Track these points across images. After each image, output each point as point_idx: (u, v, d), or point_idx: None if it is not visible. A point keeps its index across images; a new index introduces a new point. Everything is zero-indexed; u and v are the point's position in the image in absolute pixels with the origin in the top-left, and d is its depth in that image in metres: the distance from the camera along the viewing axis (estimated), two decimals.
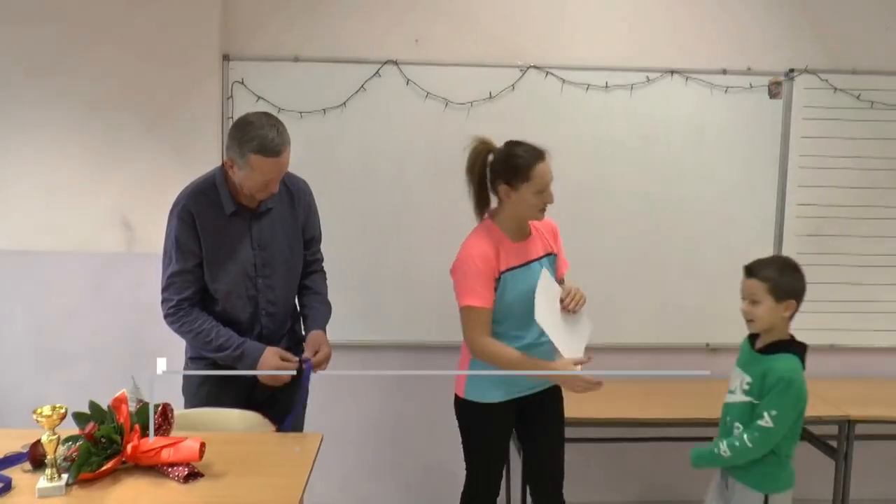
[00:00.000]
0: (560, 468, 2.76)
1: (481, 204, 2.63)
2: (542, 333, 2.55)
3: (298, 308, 2.75)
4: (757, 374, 2.41)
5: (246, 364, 2.45)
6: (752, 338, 2.54)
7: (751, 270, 2.47)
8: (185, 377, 2.61)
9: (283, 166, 2.40)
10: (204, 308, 2.52)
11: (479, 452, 2.70)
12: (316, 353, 2.55)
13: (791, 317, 2.44)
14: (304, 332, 2.71)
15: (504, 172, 2.51)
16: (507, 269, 2.54)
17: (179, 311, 2.47)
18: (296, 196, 2.61)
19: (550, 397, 2.71)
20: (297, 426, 2.61)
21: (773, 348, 2.43)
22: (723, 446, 2.41)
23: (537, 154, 2.50)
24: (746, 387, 2.42)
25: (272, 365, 2.45)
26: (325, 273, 2.82)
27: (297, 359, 2.49)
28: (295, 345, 2.70)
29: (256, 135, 2.31)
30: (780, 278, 2.42)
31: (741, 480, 2.46)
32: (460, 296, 2.53)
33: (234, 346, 2.46)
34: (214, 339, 2.45)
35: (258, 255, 2.52)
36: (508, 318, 2.56)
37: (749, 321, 2.47)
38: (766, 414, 2.33)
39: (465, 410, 2.66)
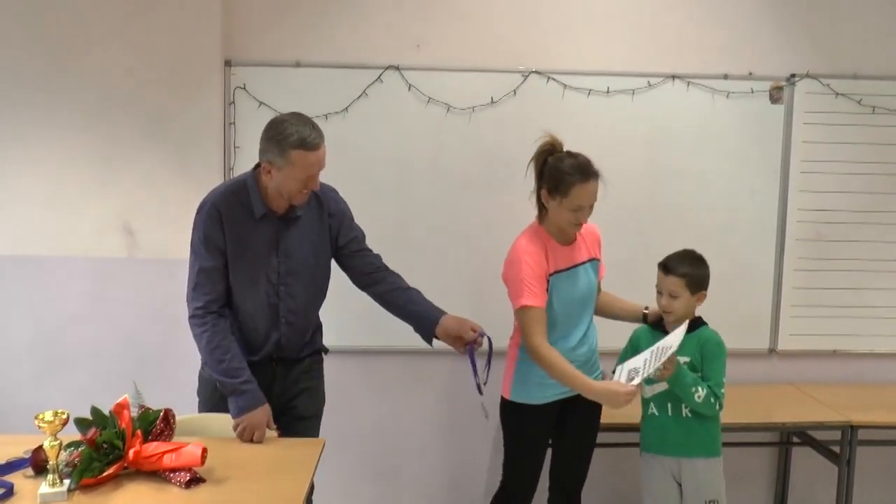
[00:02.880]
0: (584, 470, 2.82)
1: (540, 201, 2.67)
2: (581, 341, 2.66)
3: (397, 310, 2.68)
4: (690, 351, 2.63)
5: (240, 403, 2.34)
6: (655, 327, 2.75)
7: (668, 268, 2.67)
8: (202, 380, 2.57)
9: (323, 161, 2.40)
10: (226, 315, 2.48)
11: (521, 453, 2.75)
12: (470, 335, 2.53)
13: (700, 305, 2.69)
14: (422, 330, 2.65)
15: (548, 180, 2.58)
16: (555, 272, 2.60)
17: (206, 316, 2.40)
18: (325, 204, 2.58)
19: (589, 399, 2.70)
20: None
21: (692, 326, 2.64)
22: (701, 391, 2.57)
23: (584, 174, 2.54)
24: (684, 366, 2.61)
25: (259, 420, 2.34)
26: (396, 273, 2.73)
27: (275, 427, 2.40)
28: (313, 353, 2.69)
29: (294, 131, 2.31)
30: (694, 272, 2.64)
31: (699, 455, 2.64)
32: (515, 297, 2.58)
33: (241, 379, 2.37)
34: (228, 360, 2.38)
35: (282, 262, 2.49)
36: (554, 323, 2.61)
37: (668, 313, 2.68)
38: (719, 382, 2.61)
39: (511, 412, 2.72)
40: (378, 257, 2.74)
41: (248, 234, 2.44)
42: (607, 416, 2.97)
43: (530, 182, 3.45)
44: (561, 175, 2.54)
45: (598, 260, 2.79)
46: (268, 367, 2.54)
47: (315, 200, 2.55)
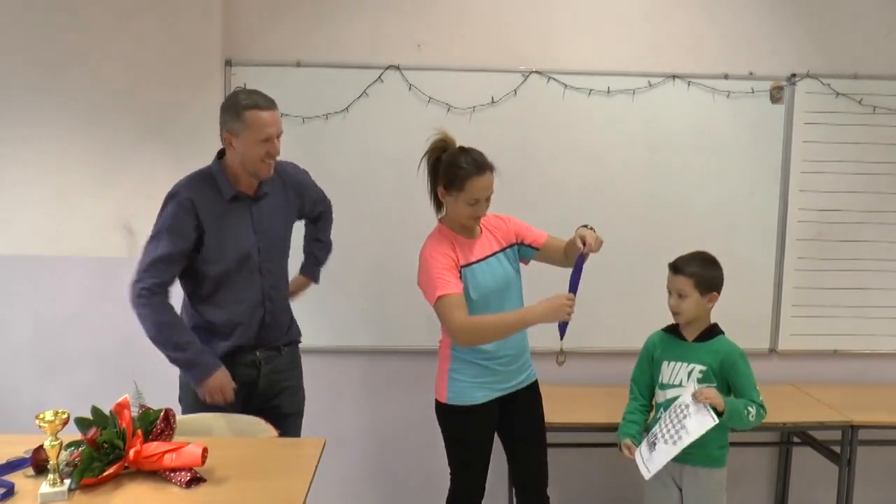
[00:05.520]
0: (543, 468, 2.78)
1: (436, 198, 2.69)
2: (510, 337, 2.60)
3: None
4: (708, 360, 2.60)
5: (198, 373, 2.43)
6: (670, 332, 2.72)
7: (677, 268, 2.65)
8: (183, 387, 2.62)
9: (279, 122, 2.49)
10: (211, 303, 2.55)
11: (464, 455, 2.72)
12: None
13: (712, 307, 2.65)
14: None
15: (443, 176, 2.57)
16: (467, 264, 2.59)
17: (153, 297, 2.43)
18: (285, 179, 2.68)
19: (530, 396, 2.74)
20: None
21: (709, 334, 2.66)
22: (752, 410, 2.53)
23: (478, 167, 2.52)
24: (700, 375, 2.59)
25: (221, 381, 2.45)
26: (330, 212, 2.99)
27: (234, 387, 2.49)
28: (291, 343, 2.75)
29: (245, 96, 2.46)
30: (703, 273, 2.61)
31: (703, 464, 2.60)
32: (430, 293, 2.55)
33: (193, 350, 2.44)
34: (179, 335, 2.44)
35: (260, 239, 2.56)
36: (477, 313, 2.58)
37: (676, 314, 2.66)
38: (755, 391, 2.57)
39: (448, 414, 2.69)
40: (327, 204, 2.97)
41: (223, 217, 2.50)
42: (610, 416, 2.97)
43: (530, 182, 3.47)
44: (456, 170, 2.53)
45: (516, 245, 2.72)
46: (252, 360, 2.59)
47: (277, 178, 2.63)
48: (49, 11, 3.26)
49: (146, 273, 2.45)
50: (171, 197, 2.50)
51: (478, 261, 2.62)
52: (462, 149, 2.58)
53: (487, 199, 2.58)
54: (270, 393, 2.65)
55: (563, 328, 2.57)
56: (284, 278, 2.71)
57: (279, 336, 2.66)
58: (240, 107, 2.43)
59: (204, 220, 2.47)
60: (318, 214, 2.92)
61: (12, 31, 3.27)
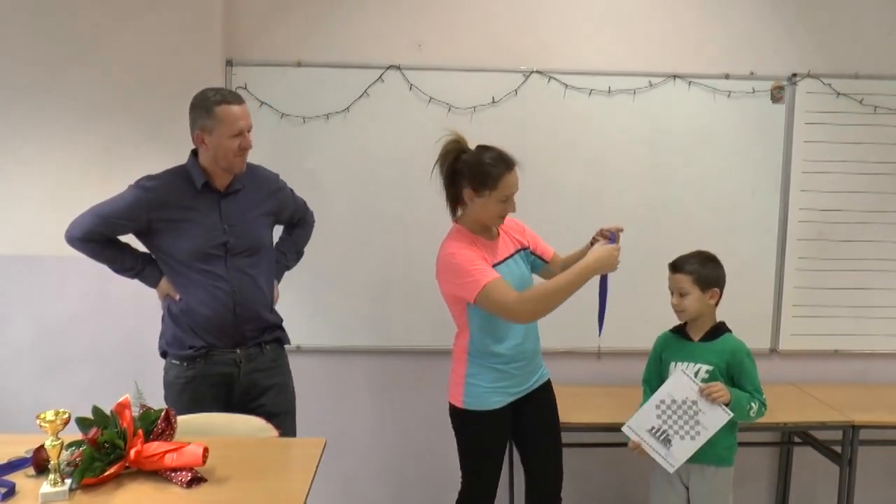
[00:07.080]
0: (558, 469, 2.76)
1: (454, 200, 2.64)
2: (526, 336, 2.60)
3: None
4: (715, 360, 2.62)
5: (149, 282, 2.68)
6: (677, 332, 2.74)
7: (676, 266, 2.67)
8: (167, 387, 2.63)
9: (248, 116, 2.54)
10: (180, 294, 2.60)
11: (480, 460, 2.68)
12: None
13: (716, 304, 2.68)
14: None
15: (471, 177, 2.51)
16: (492, 265, 2.54)
17: (87, 243, 2.62)
18: (260, 181, 2.69)
19: (543, 396, 2.72)
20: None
21: (716, 333, 2.68)
22: (755, 406, 2.58)
23: (507, 164, 2.50)
24: (706, 375, 2.61)
25: (165, 286, 2.64)
26: (310, 225, 2.96)
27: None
28: (274, 341, 2.72)
29: (214, 93, 2.51)
30: (702, 270, 2.63)
31: (711, 463, 2.62)
32: (470, 287, 2.43)
33: (136, 270, 2.66)
34: (120, 260, 2.65)
35: (229, 233, 2.56)
36: (494, 317, 2.52)
37: (679, 312, 2.68)
38: (758, 391, 2.61)
39: (465, 420, 2.63)
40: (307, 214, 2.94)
41: (189, 209, 2.54)
42: (613, 416, 2.97)
43: (530, 182, 3.44)
44: (485, 169, 2.47)
45: (528, 248, 2.71)
46: (231, 358, 2.60)
47: (253, 179, 2.65)
48: (49, 11, 3.26)
49: (83, 229, 2.59)
50: (147, 180, 2.58)
51: (500, 261, 2.58)
52: (484, 147, 2.53)
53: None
54: (253, 392, 2.64)
55: (602, 308, 2.61)
56: (263, 276, 2.68)
57: (257, 334, 2.64)
58: (210, 103, 2.47)
59: (159, 212, 2.53)
60: (297, 221, 2.89)
61: (12, 31, 3.27)
